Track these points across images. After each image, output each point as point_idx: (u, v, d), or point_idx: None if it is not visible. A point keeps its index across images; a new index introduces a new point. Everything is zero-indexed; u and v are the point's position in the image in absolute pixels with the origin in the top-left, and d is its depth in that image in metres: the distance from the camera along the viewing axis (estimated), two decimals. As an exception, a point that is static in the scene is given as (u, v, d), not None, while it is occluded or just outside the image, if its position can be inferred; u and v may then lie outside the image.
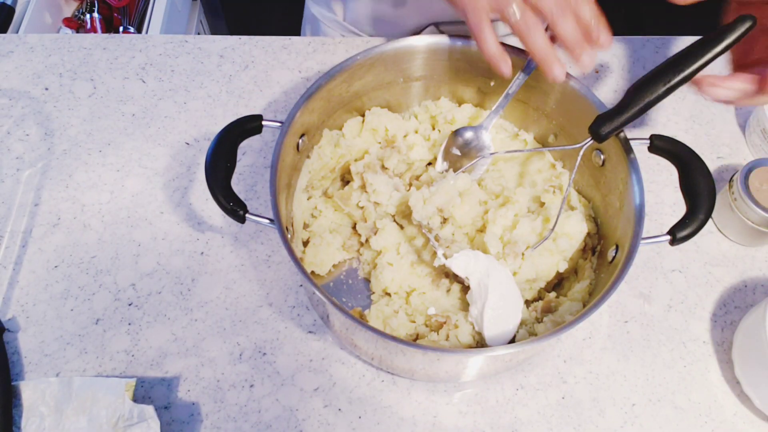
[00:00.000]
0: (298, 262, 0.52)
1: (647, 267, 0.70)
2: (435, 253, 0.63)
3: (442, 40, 0.65)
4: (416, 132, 0.71)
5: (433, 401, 0.62)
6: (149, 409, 0.58)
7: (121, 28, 1.47)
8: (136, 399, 0.59)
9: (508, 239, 0.63)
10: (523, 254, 0.62)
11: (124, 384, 0.59)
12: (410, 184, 0.68)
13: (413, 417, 0.61)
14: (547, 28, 0.55)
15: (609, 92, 0.80)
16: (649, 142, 0.60)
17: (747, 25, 0.53)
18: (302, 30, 0.99)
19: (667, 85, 0.56)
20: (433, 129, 0.72)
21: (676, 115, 0.80)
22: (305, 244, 0.66)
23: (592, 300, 0.58)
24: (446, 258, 0.61)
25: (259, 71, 0.81)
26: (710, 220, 0.73)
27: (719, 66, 0.70)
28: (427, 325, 0.62)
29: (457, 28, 0.78)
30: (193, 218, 0.70)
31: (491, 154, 0.67)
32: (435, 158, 0.70)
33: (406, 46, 0.65)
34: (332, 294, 0.65)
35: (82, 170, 0.73)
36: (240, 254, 0.68)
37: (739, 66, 0.58)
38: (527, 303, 0.64)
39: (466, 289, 0.64)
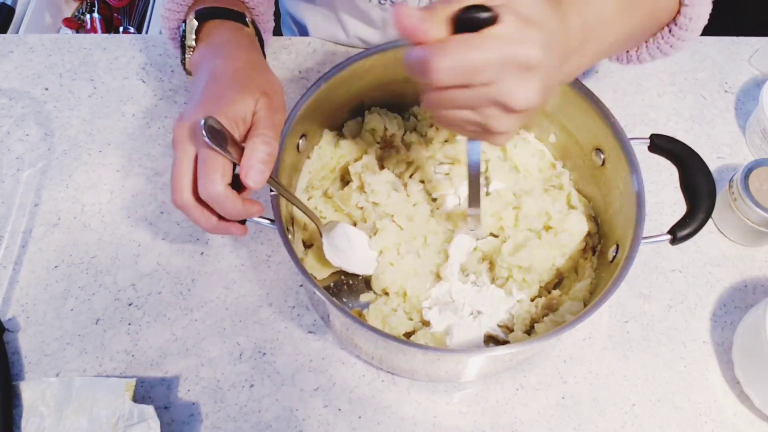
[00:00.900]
0: (298, 262, 0.52)
1: (647, 267, 0.70)
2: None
3: None
4: (414, 130, 0.71)
5: (433, 401, 0.62)
6: (149, 409, 0.58)
7: (121, 29, 1.47)
8: (136, 399, 0.59)
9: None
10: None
11: (124, 384, 0.59)
12: (405, 185, 0.68)
13: (413, 417, 0.61)
14: None
15: (608, 92, 0.80)
16: (649, 141, 0.60)
17: None
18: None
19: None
20: (431, 126, 0.72)
21: (676, 115, 0.80)
22: (305, 244, 0.66)
23: (592, 299, 0.58)
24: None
25: (259, 71, 0.81)
26: (710, 220, 0.73)
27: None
28: (423, 322, 0.62)
29: None
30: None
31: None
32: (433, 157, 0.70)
33: (406, 46, 0.65)
34: (332, 294, 0.65)
35: (82, 170, 0.73)
36: (240, 254, 0.68)
37: None
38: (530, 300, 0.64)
39: None
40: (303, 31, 0.88)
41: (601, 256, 0.64)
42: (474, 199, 0.60)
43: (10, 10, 1.29)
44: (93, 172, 0.73)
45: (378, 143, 0.70)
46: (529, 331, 0.62)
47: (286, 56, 0.82)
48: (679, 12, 0.60)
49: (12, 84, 0.78)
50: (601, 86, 0.80)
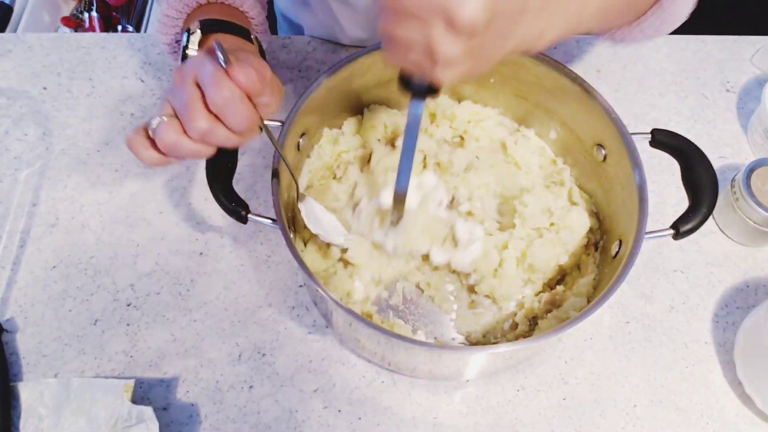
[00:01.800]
0: (301, 262, 0.52)
1: (649, 267, 0.69)
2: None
3: None
4: None
5: (433, 402, 0.62)
6: (148, 411, 0.57)
7: (119, 27, 1.47)
8: (134, 400, 0.59)
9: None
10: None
11: (122, 385, 0.58)
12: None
13: (413, 418, 0.61)
14: None
15: (610, 91, 0.80)
16: (650, 136, 0.59)
17: None
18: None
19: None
20: (432, 123, 0.71)
21: (677, 114, 0.80)
22: (306, 243, 0.66)
23: (596, 295, 0.58)
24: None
25: (259, 70, 0.80)
26: (712, 220, 0.72)
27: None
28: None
29: None
30: (192, 218, 0.70)
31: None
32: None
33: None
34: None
35: (80, 170, 0.73)
36: (239, 254, 0.68)
37: None
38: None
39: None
40: (299, 32, 0.88)
41: (604, 252, 0.63)
42: (403, 172, 0.54)
43: (8, 9, 1.29)
44: (91, 172, 0.73)
45: (378, 140, 0.70)
46: (533, 327, 0.62)
47: (286, 55, 0.82)
48: None
49: (10, 83, 0.78)
50: (602, 85, 0.79)
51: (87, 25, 1.43)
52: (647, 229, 0.55)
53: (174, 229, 0.69)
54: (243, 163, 0.73)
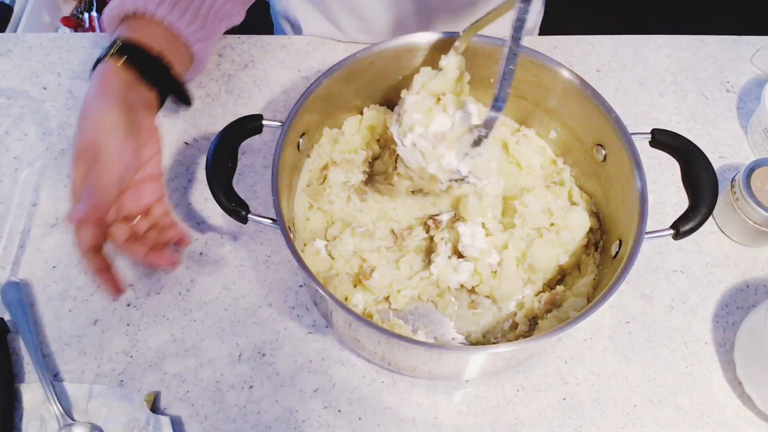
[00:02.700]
0: (301, 261, 0.52)
1: (649, 267, 0.69)
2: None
3: (441, 37, 0.64)
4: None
5: (433, 402, 0.62)
6: (165, 420, 0.58)
7: (119, 27, 1.46)
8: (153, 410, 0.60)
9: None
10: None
11: (144, 394, 0.59)
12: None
13: (413, 418, 0.61)
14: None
15: (610, 91, 0.80)
16: (650, 136, 0.59)
17: None
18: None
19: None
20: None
21: (677, 114, 0.80)
22: (306, 244, 0.66)
23: (596, 295, 0.58)
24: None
25: (259, 70, 0.80)
26: (712, 220, 0.72)
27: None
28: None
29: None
30: (192, 218, 0.70)
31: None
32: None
33: (406, 44, 0.64)
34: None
35: (80, 170, 0.73)
36: (239, 254, 0.68)
37: None
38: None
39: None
40: (297, 31, 0.87)
41: (604, 252, 0.63)
42: (504, 86, 0.50)
43: (8, 9, 1.29)
44: (91, 172, 0.73)
45: (377, 140, 0.70)
46: (533, 327, 0.62)
47: (286, 55, 0.82)
48: None
49: (10, 83, 0.78)
50: (602, 85, 0.79)
51: (87, 25, 1.43)
52: (647, 229, 0.55)
53: (174, 229, 0.69)
54: (242, 163, 0.73)
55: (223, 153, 0.57)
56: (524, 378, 0.63)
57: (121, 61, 0.58)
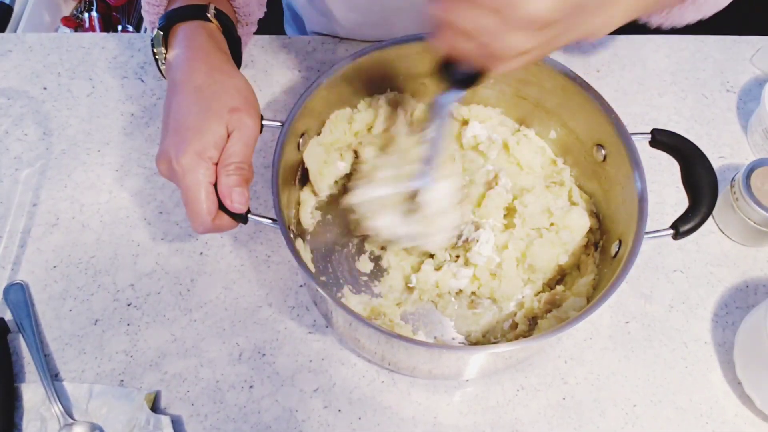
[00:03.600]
0: (302, 262, 0.52)
1: (648, 267, 0.69)
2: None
3: None
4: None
5: (433, 402, 0.62)
6: (166, 419, 0.58)
7: (119, 27, 1.47)
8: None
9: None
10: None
11: (144, 394, 0.59)
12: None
13: (413, 417, 0.61)
14: None
15: (610, 91, 0.80)
16: (650, 136, 0.59)
17: None
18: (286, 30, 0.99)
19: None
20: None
21: (677, 114, 0.80)
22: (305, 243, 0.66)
23: (595, 295, 0.58)
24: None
25: (259, 70, 0.80)
26: (712, 220, 0.72)
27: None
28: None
29: None
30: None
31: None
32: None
33: (407, 44, 0.65)
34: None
35: (80, 170, 0.73)
36: (239, 254, 0.68)
37: None
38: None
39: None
40: (300, 24, 0.87)
41: (603, 252, 0.63)
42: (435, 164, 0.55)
43: (8, 9, 1.29)
44: (92, 172, 0.73)
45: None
46: (532, 327, 0.62)
47: (286, 55, 0.82)
48: None
49: (10, 83, 0.78)
50: (602, 85, 0.79)
51: (87, 25, 1.43)
52: (647, 229, 0.56)
53: (174, 228, 0.69)
54: (243, 163, 0.73)
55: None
56: (524, 378, 0.63)
57: (214, 18, 0.59)
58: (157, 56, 0.60)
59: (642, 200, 0.57)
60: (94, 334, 0.64)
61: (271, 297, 0.66)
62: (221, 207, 0.53)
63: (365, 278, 0.66)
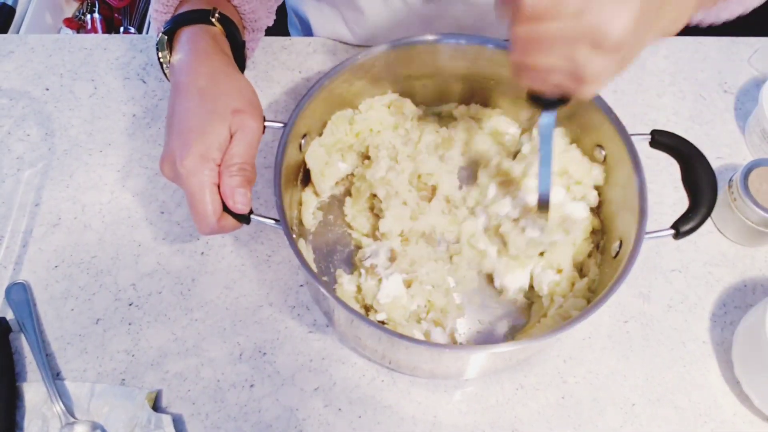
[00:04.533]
0: (304, 262, 0.52)
1: (647, 267, 0.70)
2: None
3: (445, 39, 0.65)
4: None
5: (433, 401, 0.62)
6: (167, 418, 0.58)
7: (121, 29, 1.47)
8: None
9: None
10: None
11: (146, 393, 0.59)
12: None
13: (413, 416, 0.61)
14: None
15: (608, 92, 0.80)
16: (650, 137, 0.60)
17: None
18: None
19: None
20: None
21: (675, 115, 0.80)
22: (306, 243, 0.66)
23: (595, 296, 0.58)
24: None
25: (259, 71, 0.81)
26: (710, 220, 0.73)
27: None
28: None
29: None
30: (192, 219, 0.70)
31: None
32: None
33: (408, 45, 0.65)
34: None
35: (82, 170, 0.73)
36: (240, 254, 0.69)
37: None
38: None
39: None
40: (307, 27, 0.88)
41: (604, 253, 0.64)
42: (544, 189, 0.57)
43: (10, 10, 1.29)
44: (93, 173, 0.73)
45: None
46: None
47: (287, 56, 0.82)
48: None
49: (12, 84, 0.78)
50: (601, 86, 0.80)
51: (89, 26, 1.43)
52: (647, 230, 0.56)
53: (175, 228, 0.70)
54: (244, 163, 0.74)
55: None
56: (523, 377, 0.63)
57: (217, 22, 0.60)
58: (161, 60, 0.60)
59: (642, 200, 0.57)
60: (96, 333, 0.64)
61: (272, 296, 0.66)
62: (225, 208, 0.53)
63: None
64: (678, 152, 0.59)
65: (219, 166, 0.53)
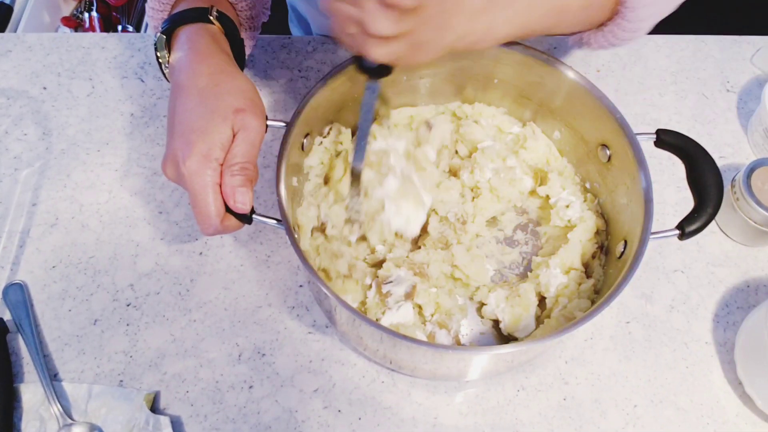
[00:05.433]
0: (306, 262, 0.52)
1: (649, 267, 0.69)
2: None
3: None
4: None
5: (433, 402, 0.62)
6: (165, 420, 0.58)
7: (119, 27, 1.47)
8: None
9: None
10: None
11: (144, 395, 0.59)
12: None
13: (413, 418, 0.61)
14: None
15: (610, 91, 0.80)
16: (655, 136, 0.59)
17: None
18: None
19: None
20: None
21: (678, 114, 0.80)
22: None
23: (600, 297, 0.58)
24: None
25: (259, 70, 0.80)
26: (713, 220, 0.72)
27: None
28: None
29: None
30: (192, 218, 0.70)
31: None
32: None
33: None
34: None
35: (80, 170, 0.73)
36: (239, 254, 0.68)
37: None
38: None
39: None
40: (306, 25, 0.87)
41: (608, 253, 0.64)
42: (359, 151, 0.58)
43: (8, 9, 1.29)
44: (91, 172, 0.73)
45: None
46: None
47: (286, 55, 0.82)
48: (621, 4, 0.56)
49: (10, 83, 0.78)
50: (602, 85, 0.79)
51: (87, 25, 1.43)
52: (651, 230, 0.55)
53: (174, 228, 0.69)
54: (243, 163, 0.73)
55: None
56: (524, 378, 0.63)
57: (216, 21, 0.60)
58: (160, 59, 0.60)
59: (647, 200, 0.57)
60: (94, 334, 0.63)
61: (271, 297, 0.66)
62: (226, 208, 0.52)
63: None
64: (683, 152, 0.59)
65: (222, 165, 0.52)
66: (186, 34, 0.58)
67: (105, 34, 0.85)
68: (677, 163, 0.60)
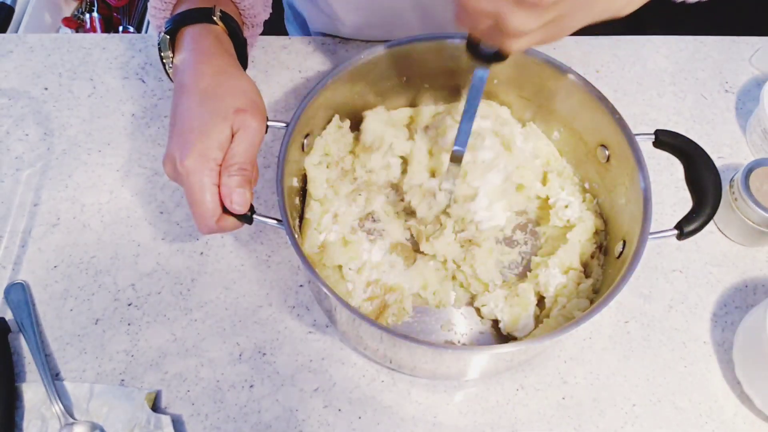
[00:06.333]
0: (307, 262, 0.52)
1: (648, 267, 0.69)
2: None
3: (446, 38, 0.65)
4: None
5: (433, 401, 0.62)
6: (166, 419, 0.58)
7: (120, 28, 1.47)
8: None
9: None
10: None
11: (145, 394, 0.59)
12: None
13: (413, 417, 0.61)
14: None
15: (609, 92, 0.80)
16: (653, 137, 0.60)
17: None
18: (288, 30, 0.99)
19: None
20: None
21: (676, 114, 0.80)
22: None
23: (598, 297, 0.58)
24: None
25: (259, 71, 0.80)
26: (711, 220, 0.72)
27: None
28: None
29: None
30: (192, 218, 0.70)
31: None
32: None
33: (410, 45, 0.65)
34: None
35: (81, 170, 0.73)
36: (240, 254, 0.68)
37: None
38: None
39: None
40: (302, 23, 0.88)
41: (607, 253, 0.64)
42: (463, 134, 0.57)
43: (9, 10, 1.29)
44: (92, 172, 0.73)
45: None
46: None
47: (286, 56, 0.82)
48: None
49: (11, 84, 0.78)
50: (601, 86, 0.79)
51: (88, 25, 1.43)
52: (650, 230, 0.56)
53: (175, 228, 0.70)
54: (243, 163, 0.74)
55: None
56: (524, 377, 0.63)
57: (220, 21, 0.60)
58: (164, 60, 0.60)
59: (646, 200, 0.57)
60: (95, 333, 0.64)
61: (272, 297, 0.66)
62: (225, 208, 0.53)
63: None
64: (682, 152, 0.59)
65: (220, 165, 0.52)
66: (190, 34, 0.58)
67: (106, 34, 0.85)
68: (676, 164, 0.60)
